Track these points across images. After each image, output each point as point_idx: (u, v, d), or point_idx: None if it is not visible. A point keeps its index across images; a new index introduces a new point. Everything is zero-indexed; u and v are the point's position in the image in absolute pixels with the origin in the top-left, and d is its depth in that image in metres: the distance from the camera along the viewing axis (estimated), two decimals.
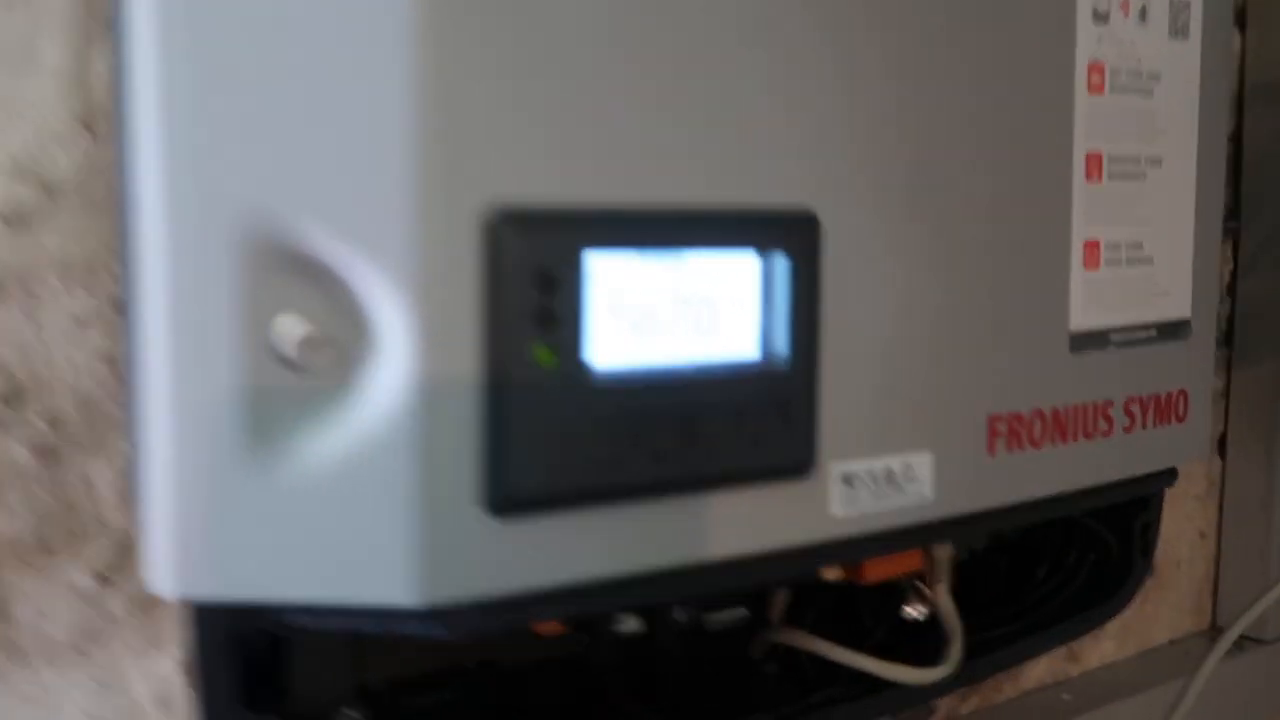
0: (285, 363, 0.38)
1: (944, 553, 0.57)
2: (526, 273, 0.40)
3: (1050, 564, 0.72)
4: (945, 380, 0.50)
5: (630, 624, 0.53)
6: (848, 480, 0.48)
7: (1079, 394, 0.55)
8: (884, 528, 0.49)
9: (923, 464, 0.50)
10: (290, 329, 0.38)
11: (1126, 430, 0.57)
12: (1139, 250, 0.57)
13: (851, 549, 0.48)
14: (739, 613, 0.66)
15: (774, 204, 0.45)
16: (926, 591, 0.58)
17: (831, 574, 0.54)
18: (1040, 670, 0.78)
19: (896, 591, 0.60)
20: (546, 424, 0.41)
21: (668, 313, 0.43)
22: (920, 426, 0.50)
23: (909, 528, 0.50)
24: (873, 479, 0.49)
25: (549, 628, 0.49)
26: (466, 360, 0.39)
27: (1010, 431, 0.53)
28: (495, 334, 0.39)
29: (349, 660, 0.53)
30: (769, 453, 0.45)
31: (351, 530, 0.39)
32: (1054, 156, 0.53)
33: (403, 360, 0.39)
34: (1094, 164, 0.54)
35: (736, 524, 0.45)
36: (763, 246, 0.45)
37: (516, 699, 0.55)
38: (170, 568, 0.38)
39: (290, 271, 0.38)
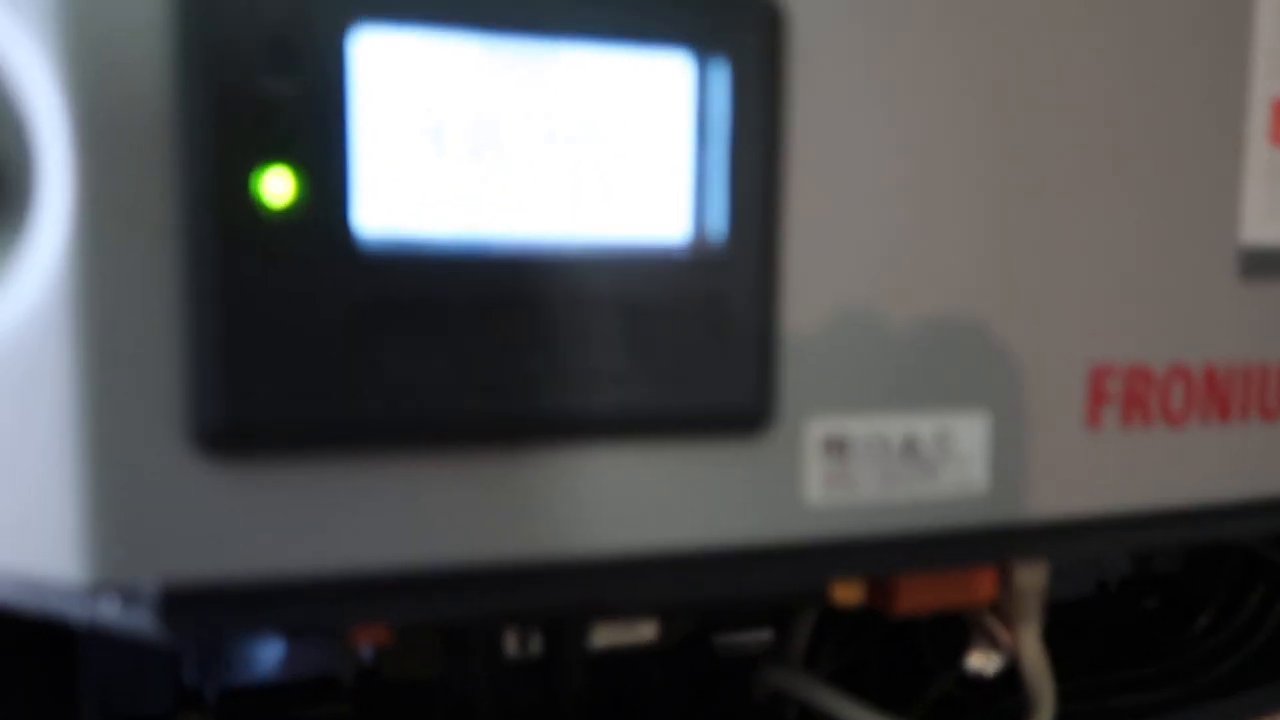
0: None
1: (1031, 578, 0.38)
2: (245, 53, 0.24)
3: (1219, 611, 0.52)
4: (1015, 299, 0.32)
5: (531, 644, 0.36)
6: (836, 447, 0.30)
7: (1251, 345, 0.35)
8: (900, 530, 0.31)
9: (973, 431, 0.31)
10: None
11: None
12: None
13: (839, 560, 0.30)
14: (760, 636, 0.49)
15: None
16: (1002, 635, 0.39)
17: (848, 594, 0.36)
18: None
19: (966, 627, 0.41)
20: (284, 310, 0.25)
21: (514, 144, 0.27)
22: (970, 370, 0.31)
23: (946, 534, 0.31)
24: (882, 449, 0.30)
25: (372, 635, 0.33)
26: (153, 196, 0.24)
27: (1129, 395, 0.34)
28: (196, 153, 0.24)
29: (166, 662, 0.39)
30: (691, 390, 0.28)
31: None
32: None
33: (64, 200, 0.24)
34: None
35: (630, 504, 0.28)
36: (699, 44, 0.28)
37: None
38: None
39: None
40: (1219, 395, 0.35)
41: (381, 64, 0.25)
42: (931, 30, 0.30)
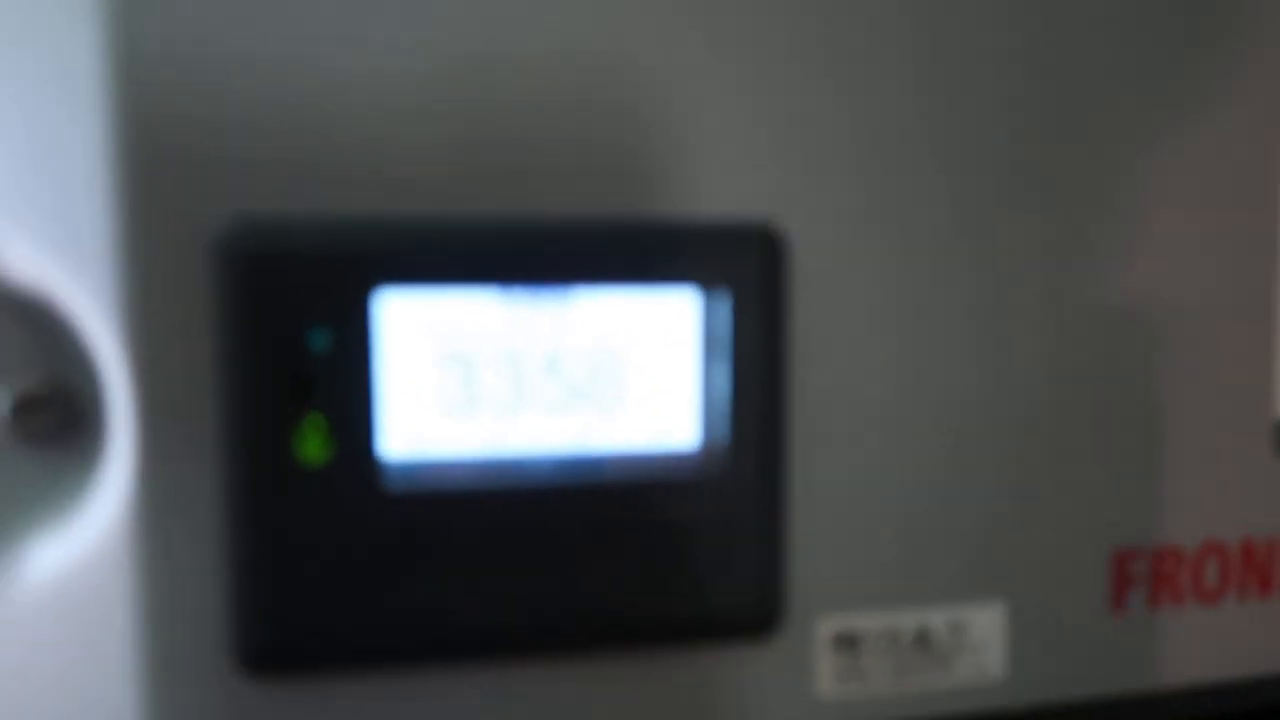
0: None
1: None
2: (278, 321, 0.27)
3: None
4: (1030, 488, 0.32)
5: None
6: (846, 643, 0.31)
7: None
8: (916, 718, 0.32)
9: (989, 622, 0.32)
10: None
11: None
12: None
13: None
14: None
15: (716, 217, 0.29)
16: None
17: None
18: None
19: None
20: (318, 546, 0.27)
21: (532, 379, 0.29)
22: (983, 562, 0.32)
23: (964, 718, 0.32)
24: (893, 641, 0.32)
25: None
26: (202, 452, 0.27)
27: (1155, 575, 0.34)
28: (236, 414, 0.27)
29: None
30: (700, 599, 0.30)
31: (66, 670, 0.28)
32: (1253, 106, 0.34)
33: (129, 441, 0.27)
34: None
35: (644, 709, 0.30)
36: (703, 280, 0.29)
37: None
38: None
39: None
40: (1257, 571, 0.35)
41: (405, 320, 0.28)
42: (929, 249, 0.31)
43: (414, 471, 0.28)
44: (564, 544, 0.29)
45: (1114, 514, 0.33)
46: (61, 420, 0.28)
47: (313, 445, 0.27)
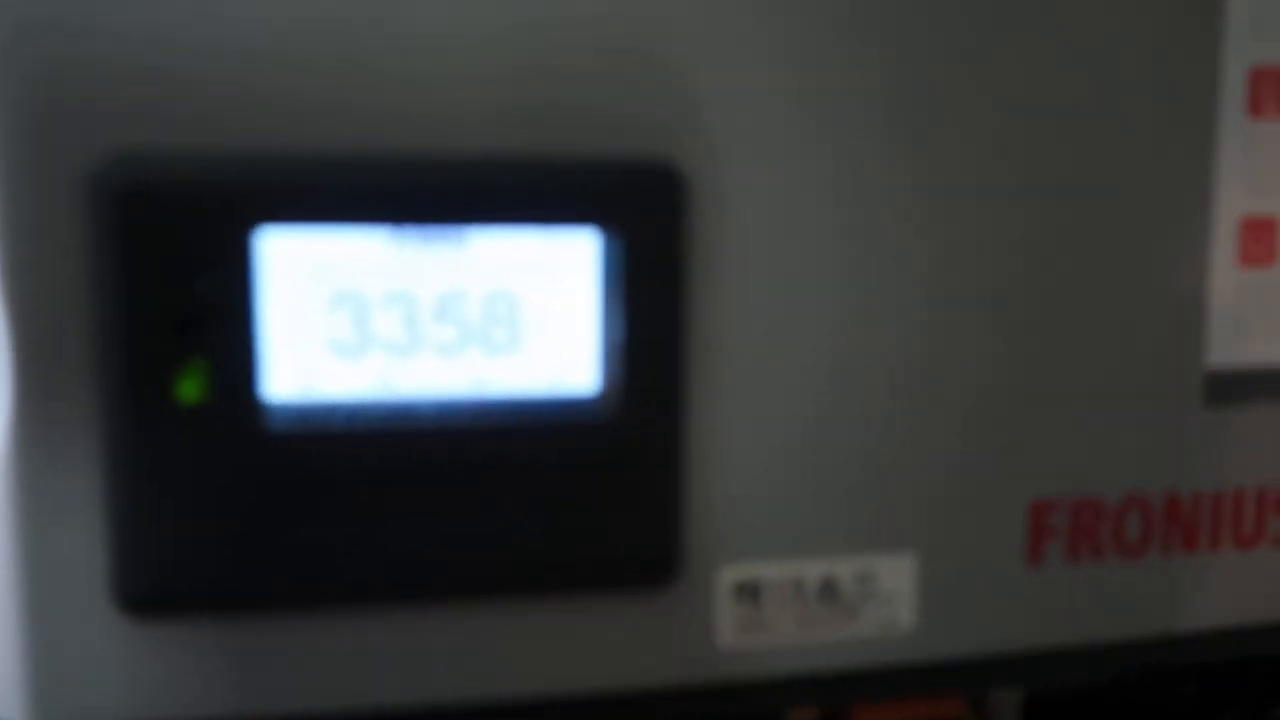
0: None
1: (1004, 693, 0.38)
2: (157, 258, 0.26)
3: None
4: (946, 437, 0.32)
5: None
6: (748, 593, 0.31)
7: (1215, 472, 0.34)
8: (821, 669, 0.31)
9: (898, 573, 0.32)
10: None
11: None
12: None
13: (758, 697, 0.31)
14: None
15: (615, 154, 0.29)
16: None
17: (805, 716, 0.37)
18: None
19: None
20: (197, 488, 0.27)
21: (422, 316, 0.28)
22: (894, 512, 0.31)
23: (867, 672, 0.32)
24: (797, 593, 0.31)
25: None
26: (81, 393, 0.27)
27: (1073, 528, 0.33)
28: (114, 354, 0.27)
29: None
30: (596, 544, 0.29)
31: None
32: (1186, 67, 0.32)
33: (3, 389, 0.27)
34: (1266, 85, 0.33)
35: (540, 654, 0.30)
36: (601, 222, 0.29)
37: None
38: None
39: None
40: (1182, 524, 0.34)
41: (287, 258, 0.27)
42: (836, 192, 0.30)
43: (299, 412, 0.28)
44: (455, 488, 0.28)
45: (1033, 465, 0.32)
46: None
47: (192, 385, 0.27)
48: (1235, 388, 0.34)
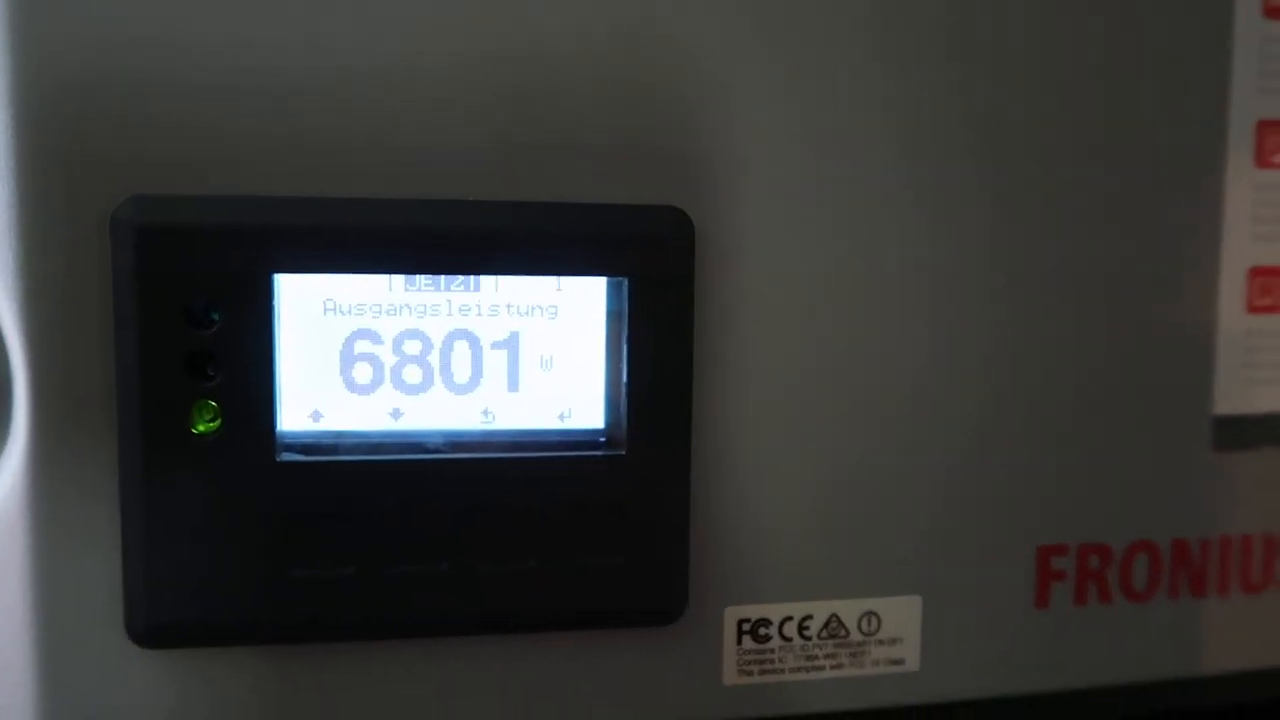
0: None
1: None
2: (174, 295, 0.27)
3: None
4: (954, 481, 0.32)
5: None
6: (754, 632, 0.31)
7: (1223, 517, 0.34)
8: (824, 709, 0.31)
9: (903, 614, 0.32)
10: None
11: None
12: None
13: None
14: None
15: (624, 200, 0.29)
16: None
17: None
18: None
19: None
20: (209, 522, 0.27)
21: (435, 358, 0.29)
22: (901, 556, 0.32)
23: (873, 713, 0.32)
24: (800, 634, 0.31)
25: None
26: (98, 429, 0.27)
27: (1080, 572, 0.33)
28: (130, 389, 0.27)
29: None
30: (608, 586, 0.29)
31: None
32: (1197, 118, 0.33)
33: (21, 424, 0.27)
34: (1273, 136, 0.33)
35: (544, 694, 0.30)
36: (610, 270, 0.29)
37: None
38: None
39: None
40: (1189, 569, 0.34)
41: (300, 297, 0.28)
42: (850, 235, 0.30)
43: (311, 447, 0.28)
44: (463, 525, 0.29)
45: (1041, 509, 0.32)
46: None
47: (205, 421, 0.27)
48: (1243, 433, 0.34)
